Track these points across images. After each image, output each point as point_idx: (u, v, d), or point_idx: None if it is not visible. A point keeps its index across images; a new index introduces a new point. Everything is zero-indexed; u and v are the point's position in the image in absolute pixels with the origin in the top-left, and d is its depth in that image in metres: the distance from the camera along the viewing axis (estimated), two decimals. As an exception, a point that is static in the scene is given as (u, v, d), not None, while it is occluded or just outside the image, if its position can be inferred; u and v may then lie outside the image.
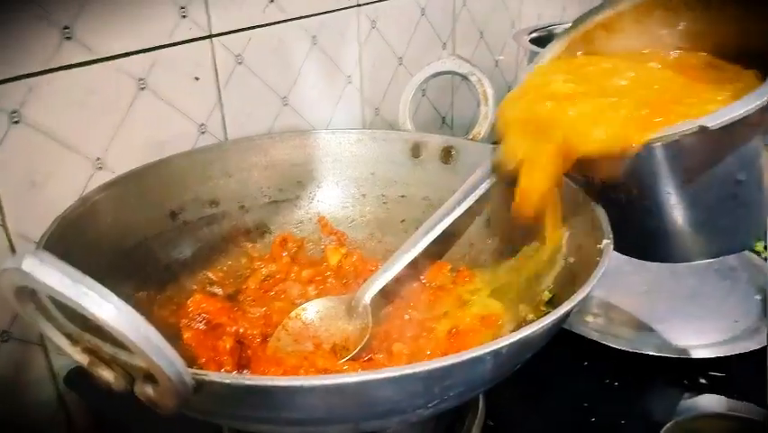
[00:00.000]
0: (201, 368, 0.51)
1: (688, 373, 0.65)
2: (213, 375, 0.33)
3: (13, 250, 0.60)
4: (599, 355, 0.66)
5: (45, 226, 0.49)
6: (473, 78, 0.69)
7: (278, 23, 0.77)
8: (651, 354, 0.64)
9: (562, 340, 0.44)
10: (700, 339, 0.67)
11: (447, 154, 0.69)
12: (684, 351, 0.65)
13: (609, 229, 0.49)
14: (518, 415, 0.61)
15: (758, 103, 0.43)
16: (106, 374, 0.36)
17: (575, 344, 0.66)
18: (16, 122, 0.58)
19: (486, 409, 0.58)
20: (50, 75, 0.59)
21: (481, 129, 0.69)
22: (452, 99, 1.12)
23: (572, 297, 0.41)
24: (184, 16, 0.67)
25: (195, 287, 0.61)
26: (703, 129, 0.43)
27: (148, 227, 0.60)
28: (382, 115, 0.97)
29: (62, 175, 0.62)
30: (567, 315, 0.41)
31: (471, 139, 0.69)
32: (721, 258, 0.77)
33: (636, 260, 0.66)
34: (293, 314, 0.59)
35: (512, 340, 0.37)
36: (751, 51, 0.52)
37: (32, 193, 0.60)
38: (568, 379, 0.65)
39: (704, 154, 0.47)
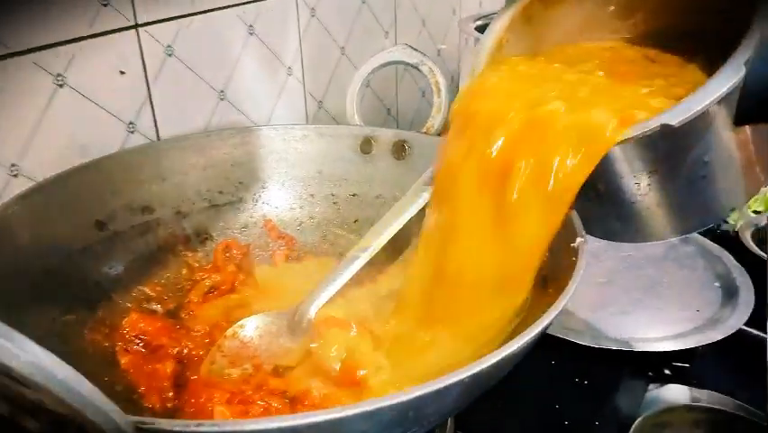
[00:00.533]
0: (141, 398, 0.47)
1: (652, 364, 0.64)
2: (161, 423, 0.29)
3: None
4: (564, 351, 0.64)
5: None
6: (424, 69, 0.67)
7: (212, 10, 0.72)
8: (615, 348, 0.62)
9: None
10: (663, 331, 0.66)
11: (400, 149, 0.66)
12: (648, 343, 0.63)
13: (581, 226, 0.46)
14: (488, 423, 0.59)
15: (718, 94, 0.41)
16: (31, 425, 0.30)
17: (539, 342, 0.64)
18: None
19: (455, 420, 0.55)
20: (-48, 72, 0.52)
21: (434, 122, 0.67)
22: (397, 90, 1.09)
23: (556, 303, 0.38)
24: (105, 4, 0.61)
25: (130, 305, 0.57)
26: (666, 127, 0.42)
27: (73, 241, 0.55)
28: (326, 108, 0.93)
29: (-29, 185, 0.56)
30: (552, 321, 0.38)
31: (425, 132, 0.66)
32: (676, 246, 0.78)
33: (593, 251, 0.64)
34: (229, 332, 0.53)
35: (495, 360, 0.33)
36: (693, 29, 0.51)
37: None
38: (536, 379, 0.63)
39: (670, 147, 0.45)
